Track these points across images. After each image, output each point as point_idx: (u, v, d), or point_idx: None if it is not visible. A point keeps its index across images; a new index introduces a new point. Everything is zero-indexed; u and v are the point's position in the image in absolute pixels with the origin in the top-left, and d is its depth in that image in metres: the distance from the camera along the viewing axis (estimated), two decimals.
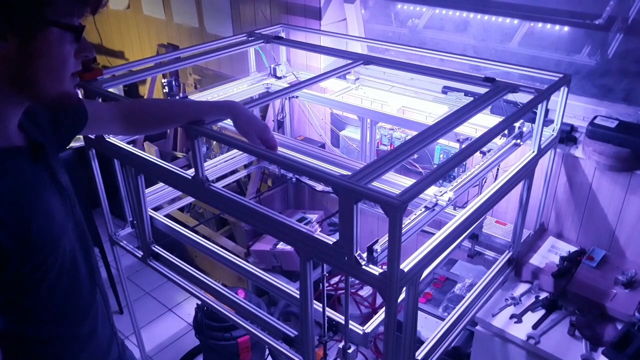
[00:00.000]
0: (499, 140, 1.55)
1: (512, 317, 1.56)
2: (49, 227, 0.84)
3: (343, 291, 2.23)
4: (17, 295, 0.83)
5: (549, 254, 1.74)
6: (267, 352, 2.21)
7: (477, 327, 1.59)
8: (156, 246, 1.73)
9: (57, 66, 0.80)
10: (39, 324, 0.89)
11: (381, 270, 1.02)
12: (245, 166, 2.34)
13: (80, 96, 1.61)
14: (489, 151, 1.49)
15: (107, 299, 1.10)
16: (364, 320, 2.16)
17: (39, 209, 0.83)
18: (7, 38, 0.74)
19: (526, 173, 1.48)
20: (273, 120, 2.40)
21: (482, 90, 1.50)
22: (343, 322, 1.25)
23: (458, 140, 1.72)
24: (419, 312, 1.55)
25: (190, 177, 1.36)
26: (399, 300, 1.06)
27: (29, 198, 0.82)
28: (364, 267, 1.04)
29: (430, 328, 1.65)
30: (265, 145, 1.24)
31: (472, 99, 1.47)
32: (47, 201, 0.85)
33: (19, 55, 0.76)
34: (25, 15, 0.74)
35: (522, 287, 1.67)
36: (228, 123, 1.70)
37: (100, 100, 1.53)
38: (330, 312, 1.28)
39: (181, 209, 2.61)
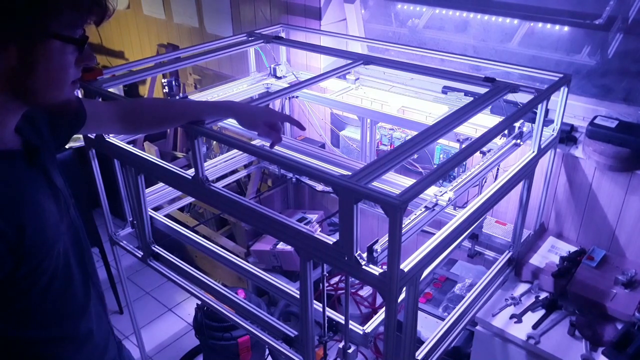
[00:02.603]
0: (499, 140, 1.55)
1: (512, 317, 1.56)
2: (43, 231, 0.84)
3: (343, 291, 2.23)
4: (8, 299, 0.83)
5: (549, 254, 1.74)
6: (267, 352, 2.21)
7: (477, 327, 1.59)
8: (156, 246, 1.73)
9: (57, 76, 0.80)
10: (31, 326, 0.89)
11: (381, 270, 1.02)
12: (245, 166, 2.34)
13: (80, 96, 1.61)
14: (489, 151, 1.50)
15: (104, 299, 1.10)
16: (364, 320, 2.16)
17: (33, 214, 0.83)
18: (7, 48, 0.74)
19: (526, 173, 1.48)
20: None
21: (482, 90, 1.50)
22: (343, 322, 1.25)
23: (458, 140, 1.72)
24: (419, 312, 1.55)
25: (190, 177, 1.36)
26: (399, 300, 1.06)
27: (23, 203, 0.82)
28: (364, 267, 1.04)
29: (430, 328, 1.65)
30: (275, 129, 1.26)
31: (472, 99, 1.47)
32: (41, 205, 0.85)
33: (19, 65, 0.76)
34: (27, 26, 0.74)
35: (522, 287, 1.67)
36: (228, 123, 1.71)
37: (100, 100, 1.53)
38: (330, 312, 1.28)
39: (181, 209, 2.61)
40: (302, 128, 1.32)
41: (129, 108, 1.28)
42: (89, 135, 1.64)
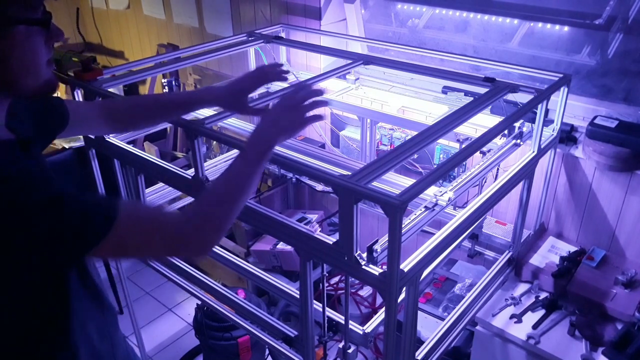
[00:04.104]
0: (499, 140, 1.55)
1: (512, 317, 1.56)
2: None
3: (343, 291, 2.23)
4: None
5: (549, 254, 1.74)
6: (267, 352, 2.21)
7: (477, 327, 1.59)
8: None
9: (31, 61, 0.79)
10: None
11: (381, 270, 1.02)
12: None
13: (80, 98, 1.61)
14: (489, 151, 1.49)
15: (106, 295, 1.11)
16: (364, 320, 2.16)
17: None
18: None
19: (526, 173, 1.48)
20: None
21: (482, 90, 1.50)
22: (343, 322, 1.25)
23: (458, 140, 1.72)
24: (419, 312, 1.55)
25: (190, 177, 1.36)
26: (399, 300, 1.06)
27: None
28: (364, 267, 1.04)
29: (430, 328, 1.65)
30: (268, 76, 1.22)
31: (472, 99, 1.47)
32: None
33: None
34: None
35: (522, 287, 1.67)
36: (228, 123, 1.71)
37: (100, 99, 1.54)
38: (330, 312, 1.28)
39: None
40: (284, 78, 1.25)
41: (113, 107, 1.27)
42: (89, 135, 1.64)
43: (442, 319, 1.62)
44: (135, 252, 0.87)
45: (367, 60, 1.77)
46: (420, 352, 1.28)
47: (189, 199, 2.19)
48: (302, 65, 2.41)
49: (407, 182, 1.71)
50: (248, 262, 1.61)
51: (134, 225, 0.82)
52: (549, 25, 1.88)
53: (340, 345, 1.27)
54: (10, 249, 0.72)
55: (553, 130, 1.62)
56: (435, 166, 1.92)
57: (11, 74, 0.78)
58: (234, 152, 2.15)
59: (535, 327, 1.52)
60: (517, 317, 1.55)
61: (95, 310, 1.02)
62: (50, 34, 0.81)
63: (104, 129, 1.28)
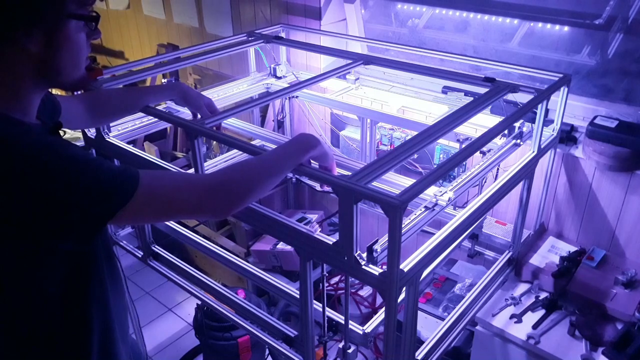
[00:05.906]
0: (499, 140, 1.55)
1: (512, 317, 1.56)
2: None
3: (343, 291, 2.23)
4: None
5: (549, 254, 1.74)
6: (267, 352, 2.21)
7: (477, 327, 1.59)
8: (156, 246, 1.73)
9: (77, 54, 0.86)
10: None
11: (381, 270, 1.02)
12: None
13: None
14: (489, 151, 1.49)
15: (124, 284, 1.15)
16: (364, 320, 2.16)
17: None
18: (32, 33, 0.79)
19: (526, 173, 1.48)
20: (273, 120, 2.40)
21: (482, 90, 1.50)
22: (343, 322, 1.25)
23: (458, 140, 1.72)
24: (419, 312, 1.55)
25: None
26: (399, 300, 1.06)
27: None
28: (363, 267, 1.04)
29: (430, 328, 1.65)
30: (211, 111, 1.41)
31: (472, 99, 1.46)
32: None
33: (43, 49, 0.81)
34: (50, 10, 0.80)
35: (522, 287, 1.67)
36: (228, 123, 1.71)
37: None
38: (330, 312, 1.28)
39: None
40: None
41: (93, 99, 1.34)
42: (88, 134, 1.64)
43: (442, 319, 1.62)
44: (161, 209, 0.90)
45: (367, 60, 1.77)
46: (420, 352, 1.28)
47: None
48: (302, 65, 2.41)
49: (407, 182, 1.71)
50: (248, 262, 1.61)
51: (162, 180, 0.89)
52: (549, 25, 1.88)
53: (340, 345, 1.27)
54: (52, 209, 0.77)
55: (553, 130, 1.62)
56: (435, 166, 1.92)
57: (59, 64, 0.85)
58: (234, 152, 2.15)
59: (535, 327, 1.52)
60: (517, 317, 1.55)
61: (115, 294, 1.05)
62: (93, 32, 0.88)
63: (87, 121, 1.35)
